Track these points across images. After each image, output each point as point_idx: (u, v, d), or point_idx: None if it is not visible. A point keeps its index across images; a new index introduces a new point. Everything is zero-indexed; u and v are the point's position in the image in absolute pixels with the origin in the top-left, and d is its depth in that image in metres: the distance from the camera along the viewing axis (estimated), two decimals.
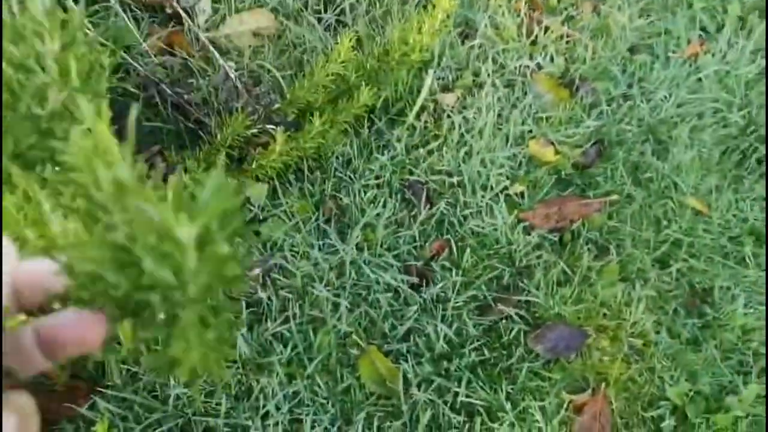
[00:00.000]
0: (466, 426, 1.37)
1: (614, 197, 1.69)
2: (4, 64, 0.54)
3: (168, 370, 0.40)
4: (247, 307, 1.44)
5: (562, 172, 1.74)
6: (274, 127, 1.53)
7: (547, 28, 1.96)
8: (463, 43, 1.92)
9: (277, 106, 1.55)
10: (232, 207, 0.37)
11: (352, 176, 1.66)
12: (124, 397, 1.33)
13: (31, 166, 0.47)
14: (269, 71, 1.76)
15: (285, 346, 1.42)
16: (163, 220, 0.35)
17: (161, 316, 0.38)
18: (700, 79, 1.94)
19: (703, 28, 2.11)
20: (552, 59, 1.92)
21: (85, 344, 0.39)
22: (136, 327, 0.39)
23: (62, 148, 0.41)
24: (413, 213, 1.64)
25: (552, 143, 1.77)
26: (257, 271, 1.47)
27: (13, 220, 0.66)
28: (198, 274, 0.36)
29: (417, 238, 1.60)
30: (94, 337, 0.39)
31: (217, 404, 1.34)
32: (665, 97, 1.89)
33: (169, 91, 1.53)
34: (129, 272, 0.37)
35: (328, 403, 1.37)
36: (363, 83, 1.58)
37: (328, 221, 1.60)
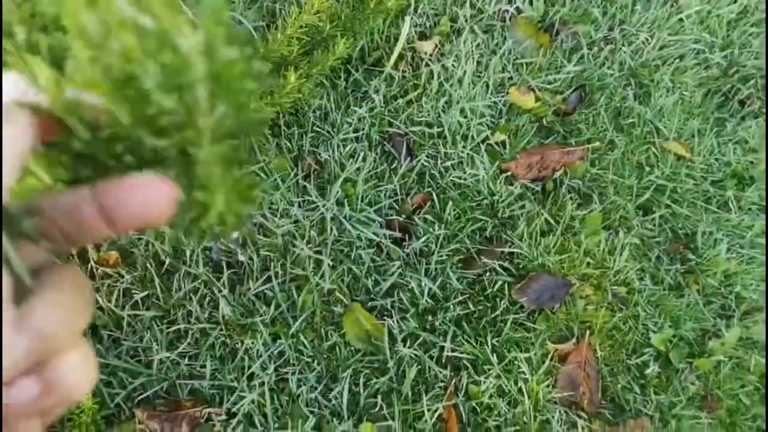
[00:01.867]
0: (453, 380, 1.37)
1: (596, 144, 1.67)
2: None
3: (195, 223, 0.37)
4: (227, 268, 1.41)
5: (544, 120, 1.71)
6: None
7: None
8: None
9: None
10: (228, 21, 0.31)
11: (330, 130, 1.62)
12: (107, 363, 1.31)
13: None
14: (240, 22, 1.70)
15: (268, 306, 1.40)
16: (161, 28, 0.31)
17: (173, 156, 0.34)
18: (681, 20, 1.91)
19: None
20: (531, 2, 1.87)
21: (152, 212, 0.35)
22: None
23: None
24: (393, 166, 1.61)
25: (533, 90, 1.73)
26: (235, 234, 1.44)
27: None
28: (209, 98, 0.32)
29: (398, 192, 1.57)
30: (161, 203, 0.34)
31: (201, 366, 1.33)
32: (647, 40, 1.85)
33: None
34: (135, 107, 0.33)
35: (313, 361, 1.36)
36: (338, 34, 1.54)
37: (307, 177, 1.57)
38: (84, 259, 1.39)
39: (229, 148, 0.35)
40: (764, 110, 1.83)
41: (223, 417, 1.28)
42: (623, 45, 1.85)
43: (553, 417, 1.36)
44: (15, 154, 0.32)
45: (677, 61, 1.84)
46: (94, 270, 1.39)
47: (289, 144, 1.59)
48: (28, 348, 0.30)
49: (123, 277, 1.39)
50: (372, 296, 1.45)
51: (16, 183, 0.32)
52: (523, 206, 1.57)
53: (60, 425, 1.17)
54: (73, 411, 1.11)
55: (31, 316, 0.31)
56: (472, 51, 1.76)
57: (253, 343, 1.35)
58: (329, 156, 1.59)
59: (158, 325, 1.35)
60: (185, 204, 0.35)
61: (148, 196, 0.34)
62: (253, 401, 1.30)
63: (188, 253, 1.42)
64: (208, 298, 1.39)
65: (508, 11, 1.84)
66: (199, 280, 1.40)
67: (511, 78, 1.75)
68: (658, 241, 1.60)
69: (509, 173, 1.60)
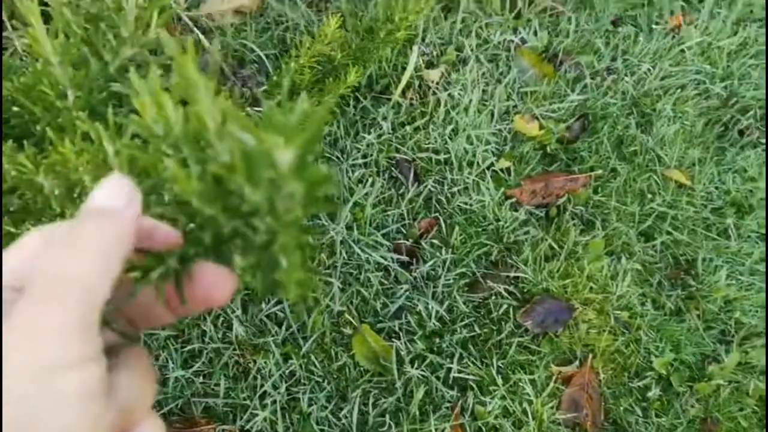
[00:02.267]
0: (459, 401, 1.41)
1: (599, 172, 1.72)
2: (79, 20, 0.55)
3: (274, 292, 0.41)
4: (240, 289, 1.45)
5: (548, 147, 1.76)
6: (261, 110, 1.53)
7: (530, 2, 1.96)
8: (445, 17, 1.92)
9: (263, 88, 1.55)
10: (320, 131, 0.36)
11: (339, 156, 1.67)
12: None
13: (100, 113, 0.47)
14: (252, 50, 1.75)
15: (279, 327, 1.44)
16: (260, 144, 0.35)
17: (259, 240, 0.38)
18: (683, 51, 1.96)
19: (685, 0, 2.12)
20: (536, 33, 1.92)
21: (214, 300, 0.39)
22: (238, 255, 0.40)
23: (130, 92, 0.41)
24: (401, 191, 1.65)
25: (536, 118, 1.78)
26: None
27: (72, 165, 0.66)
28: (295, 197, 0.36)
29: (405, 216, 1.62)
30: (223, 292, 0.39)
31: (215, 385, 1.36)
32: (649, 70, 1.90)
33: None
34: (226, 201, 0.38)
35: (324, 381, 1.40)
36: (349, 63, 1.59)
37: None
38: None
39: (304, 235, 0.40)
40: (763, 140, 1.87)
41: None
42: (626, 75, 1.90)
43: None
44: (119, 257, 0.36)
45: (679, 91, 1.89)
46: None
47: None
48: (113, 421, 0.35)
49: None
50: (380, 318, 1.49)
51: None
52: (527, 232, 1.61)
53: None
54: None
55: (116, 392, 0.35)
56: (478, 80, 1.81)
57: (265, 362, 1.39)
58: (339, 180, 1.63)
59: (173, 345, 1.39)
60: (265, 279, 0.40)
61: (213, 288, 0.39)
62: (265, 419, 1.33)
63: None
64: (221, 319, 1.43)
65: (512, 41, 1.90)
66: None
67: (515, 106, 1.80)
68: (659, 267, 1.64)
69: (514, 199, 1.65)
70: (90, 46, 0.88)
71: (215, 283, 0.39)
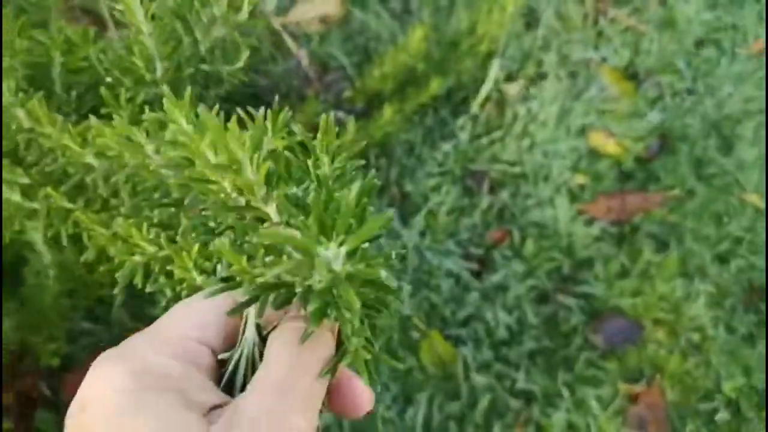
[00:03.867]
0: (524, 411, 1.41)
1: (676, 192, 1.71)
2: None
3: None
4: None
5: (624, 166, 1.76)
6: (343, 114, 1.57)
7: (612, 20, 1.97)
8: (527, 32, 1.94)
9: (347, 94, 1.59)
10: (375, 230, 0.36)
11: (415, 164, 1.70)
12: None
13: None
14: (335, 58, 1.80)
15: None
16: (305, 244, 0.35)
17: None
18: (766, 76, 1.93)
19: None
20: (616, 51, 1.92)
21: (356, 411, 0.44)
22: None
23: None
24: (474, 201, 1.67)
25: (614, 136, 1.78)
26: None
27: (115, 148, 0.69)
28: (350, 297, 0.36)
29: (478, 226, 1.64)
30: (365, 405, 0.44)
31: None
32: (730, 93, 1.88)
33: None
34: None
35: (390, 382, 1.43)
36: (431, 73, 1.62)
37: (390, 206, 1.64)
38: None
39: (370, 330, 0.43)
40: None
41: None
42: (706, 97, 1.88)
43: None
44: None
45: (760, 115, 1.86)
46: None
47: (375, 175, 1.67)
48: None
49: None
50: (448, 325, 1.51)
51: None
52: (600, 248, 1.61)
53: None
54: None
55: None
56: (557, 95, 1.82)
57: None
58: (413, 188, 1.66)
59: None
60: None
61: (359, 399, 0.44)
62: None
63: None
64: None
65: (593, 59, 1.90)
66: None
67: (593, 123, 1.81)
68: (733, 291, 1.62)
69: (588, 215, 1.65)
70: (182, 20, 0.91)
71: (362, 394, 0.44)
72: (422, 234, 1.60)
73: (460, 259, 1.58)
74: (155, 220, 0.72)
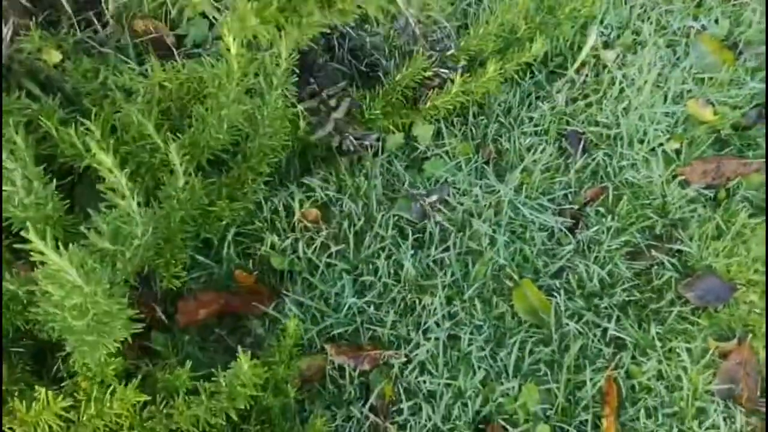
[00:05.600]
0: (615, 358, 1.45)
1: None
2: None
3: None
4: (413, 234, 1.56)
5: (721, 132, 1.76)
6: (447, 71, 1.63)
7: None
8: (625, 2, 1.96)
9: (451, 52, 1.65)
10: None
11: (512, 122, 1.75)
12: (302, 302, 1.48)
13: None
14: (436, 22, 1.86)
15: (444, 273, 1.54)
16: None
17: None
18: None
19: None
20: (717, 21, 1.93)
21: None
22: None
23: None
24: (569, 161, 1.71)
25: (711, 104, 1.79)
26: (435, 197, 1.59)
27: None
28: None
29: (572, 185, 1.67)
30: None
31: (384, 316, 1.48)
32: None
33: (353, 34, 1.66)
34: None
35: (483, 325, 1.48)
36: (534, 35, 1.66)
37: (486, 163, 1.70)
38: (289, 211, 1.58)
39: None
40: None
41: (403, 359, 1.42)
42: None
43: (710, 406, 1.41)
44: None
45: None
46: (296, 223, 1.57)
47: (474, 131, 1.73)
48: None
49: (321, 232, 1.56)
50: (541, 275, 1.56)
51: None
52: (694, 210, 1.63)
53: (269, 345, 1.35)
54: (281, 331, 1.27)
55: None
56: (654, 62, 1.84)
57: (431, 302, 1.49)
58: (510, 146, 1.71)
59: (348, 275, 1.52)
60: None
61: None
62: (428, 351, 1.43)
63: (378, 218, 1.58)
64: (393, 258, 1.54)
65: (693, 27, 1.91)
66: (386, 242, 1.56)
67: (690, 90, 1.82)
68: None
69: (683, 177, 1.67)
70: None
71: None
72: (517, 190, 1.65)
73: (553, 215, 1.62)
74: None
